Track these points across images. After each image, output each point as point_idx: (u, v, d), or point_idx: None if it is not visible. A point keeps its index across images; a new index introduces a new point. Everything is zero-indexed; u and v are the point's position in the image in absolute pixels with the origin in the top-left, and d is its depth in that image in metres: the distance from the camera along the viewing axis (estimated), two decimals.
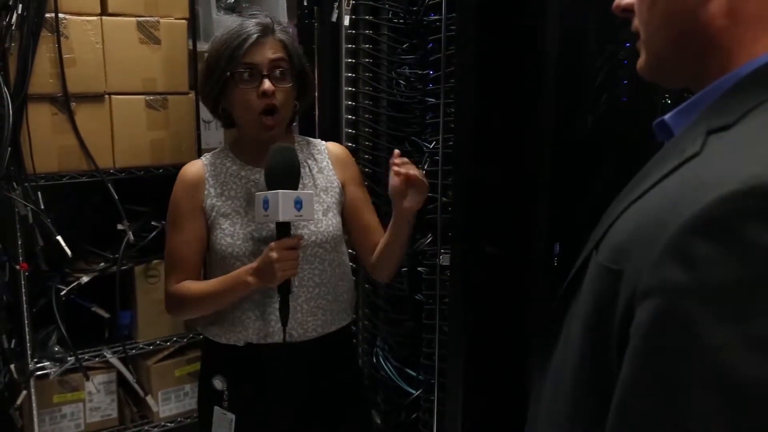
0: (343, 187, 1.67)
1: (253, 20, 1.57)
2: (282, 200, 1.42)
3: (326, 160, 1.68)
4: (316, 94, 2.18)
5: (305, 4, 2.14)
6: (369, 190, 2.01)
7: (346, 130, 2.13)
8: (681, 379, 0.58)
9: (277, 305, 1.54)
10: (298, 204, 1.43)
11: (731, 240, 0.57)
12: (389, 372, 2.07)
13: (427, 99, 1.84)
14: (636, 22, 0.79)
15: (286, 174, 1.47)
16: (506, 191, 1.54)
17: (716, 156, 0.64)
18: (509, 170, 1.55)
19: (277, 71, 1.54)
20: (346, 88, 2.10)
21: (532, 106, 1.50)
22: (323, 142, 1.73)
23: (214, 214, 1.58)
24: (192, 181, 1.60)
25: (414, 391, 1.98)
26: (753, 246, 0.56)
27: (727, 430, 0.57)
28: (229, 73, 1.52)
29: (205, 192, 1.59)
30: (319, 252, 1.59)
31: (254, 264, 1.48)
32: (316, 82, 2.17)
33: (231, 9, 2.32)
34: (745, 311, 0.57)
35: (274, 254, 1.44)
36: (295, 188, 1.48)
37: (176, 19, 2.18)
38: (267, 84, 1.52)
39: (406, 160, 1.52)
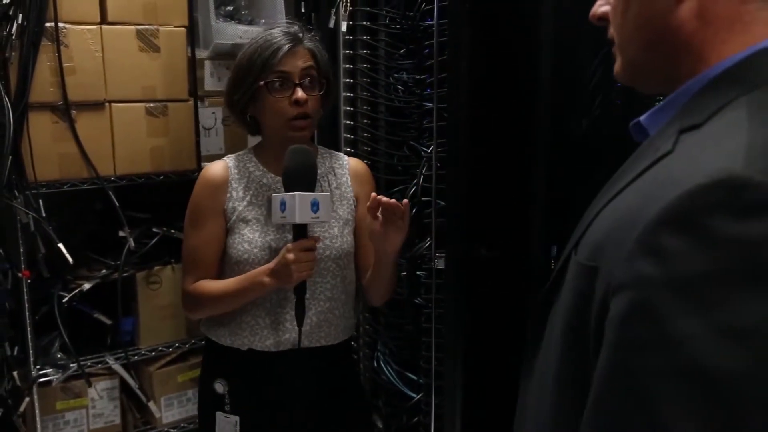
0: (356, 202, 1.68)
1: (281, 29, 1.58)
2: (299, 202, 1.42)
3: (346, 175, 1.69)
4: None
5: (303, 10, 2.16)
6: None
7: (345, 135, 2.14)
8: (653, 370, 0.60)
9: (288, 315, 1.56)
10: (315, 206, 1.44)
11: (699, 233, 0.59)
12: (390, 376, 2.08)
13: (424, 104, 1.85)
14: (612, 29, 0.80)
15: (303, 175, 1.48)
16: (502, 194, 1.55)
17: (686, 153, 0.66)
18: (505, 173, 1.56)
19: (308, 80, 1.57)
20: (344, 94, 2.11)
21: (527, 109, 1.51)
22: (346, 157, 1.75)
23: (234, 217, 1.59)
24: (216, 181, 1.61)
25: (414, 395, 1.99)
26: (720, 238, 0.58)
27: (699, 421, 0.58)
28: (262, 82, 1.54)
29: (228, 195, 1.60)
30: (332, 267, 1.60)
31: (271, 265, 1.50)
32: None
33: (230, 16, 2.33)
34: (714, 302, 0.58)
35: (291, 255, 1.45)
36: (312, 190, 1.49)
37: (175, 26, 2.19)
38: (300, 93, 1.54)
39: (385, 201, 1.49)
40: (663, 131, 0.72)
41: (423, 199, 1.81)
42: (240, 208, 1.58)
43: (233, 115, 1.68)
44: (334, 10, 2.05)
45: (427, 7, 1.78)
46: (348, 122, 2.12)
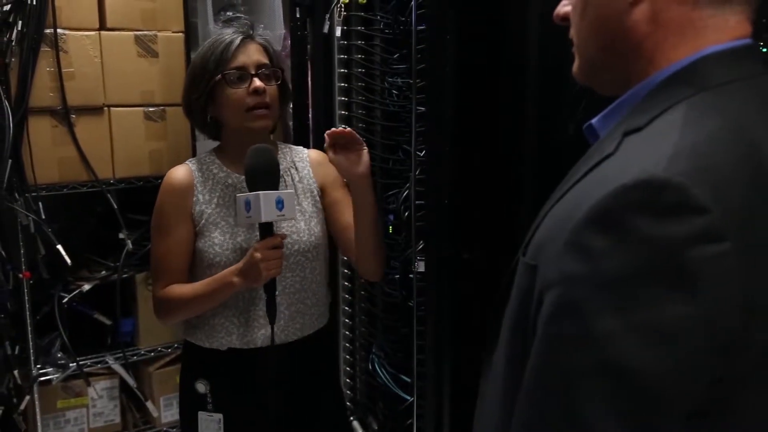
0: (323, 191, 1.70)
1: (232, 28, 1.62)
2: (263, 201, 1.44)
3: (307, 168, 1.71)
4: (310, 103, 2.23)
5: (298, 16, 2.18)
6: None
7: None
8: (574, 366, 0.61)
9: (261, 312, 1.57)
10: (280, 204, 1.45)
11: (620, 232, 0.60)
12: (384, 379, 2.09)
13: (417, 107, 1.86)
14: (572, 30, 0.81)
15: (266, 174, 1.49)
16: (487, 198, 1.56)
17: (624, 155, 0.67)
18: (490, 177, 1.56)
19: (263, 72, 1.59)
20: (339, 98, 2.13)
21: (512, 113, 1.52)
22: (305, 150, 1.77)
23: (203, 221, 1.60)
24: (180, 186, 1.62)
25: (409, 397, 2.00)
26: (639, 238, 0.59)
27: (619, 418, 0.59)
28: (219, 76, 1.56)
29: (194, 198, 1.61)
30: (301, 260, 1.62)
31: (239, 265, 1.51)
32: (310, 92, 2.22)
33: (229, 21, 2.35)
34: (632, 301, 0.59)
35: (258, 254, 1.47)
36: (276, 188, 1.50)
37: (173, 32, 2.23)
38: (258, 82, 1.57)
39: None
40: (611, 133, 0.73)
41: (417, 202, 1.82)
42: (208, 212, 1.60)
43: (192, 119, 1.70)
44: (328, 15, 2.06)
45: (417, 12, 1.79)
46: (343, 126, 2.14)
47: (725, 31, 0.71)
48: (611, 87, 0.81)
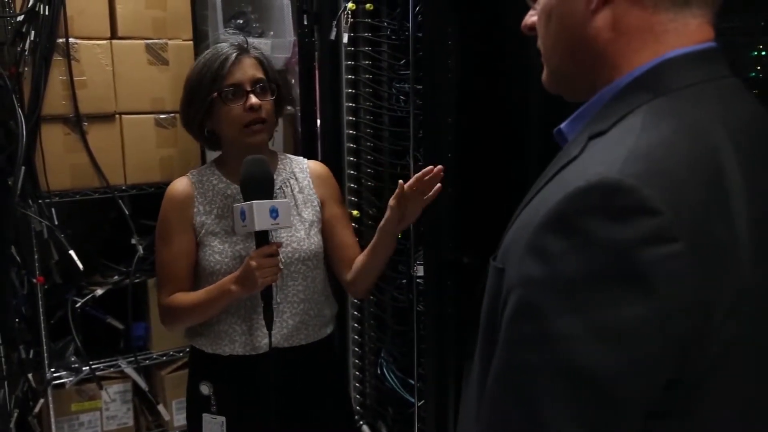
0: (322, 204, 1.71)
1: (227, 43, 1.64)
2: (257, 210, 1.47)
3: (307, 179, 1.72)
4: (318, 109, 2.24)
5: (305, 23, 2.20)
6: (369, 203, 2.05)
7: (348, 144, 2.17)
8: (534, 367, 0.63)
9: (262, 321, 1.59)
10: (274, 213, 1.48)
11: (575, 235, 0.61)
12: (393, 383, 2.09)
13: (418, 114, 1.87)
14: (539, 40, 0.82)
15: (260, 184, 1.52)
16: (487, 203, 1.56)
17: (584, 159, 0.67)
18: (492, 183, 1.57)
19: (259, 87, 1.61)
20: (346, 104, 2.15)
21: (513, 117, 1.52)
22: (305, 160, 1.78)
23: (203, 231, 1.63)
24: (181, 197, 1.66)
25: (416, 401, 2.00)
26: (594, 240, 0.60)
27: (575, 418, 0.60)
28: (215, 94, 1.59)
29: (194, 209, 1.65)
30: (302, 269, 1.64)
31: (236, 273, 1.54)
32: (318, 98, 2.23)
33: (240, 29, 2.38)
34: (590, 303, 0.60)
35: (253, 262, 1.49)
36: (270, 197, 1.53)
37: (183, 40, 2.26)
38: (253, 99, 1.59)
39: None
40: (577, 138, 0.74)
41: None
42: (208, 222, 1.63)
43: (190, 132, 1.72)
44: (335, 22, 2.08)
45: (421, 19, 1.80)
46: (351, 132, 2.16)
47: (686, 34, 0.72)
48: (579, 94, 0.82)
